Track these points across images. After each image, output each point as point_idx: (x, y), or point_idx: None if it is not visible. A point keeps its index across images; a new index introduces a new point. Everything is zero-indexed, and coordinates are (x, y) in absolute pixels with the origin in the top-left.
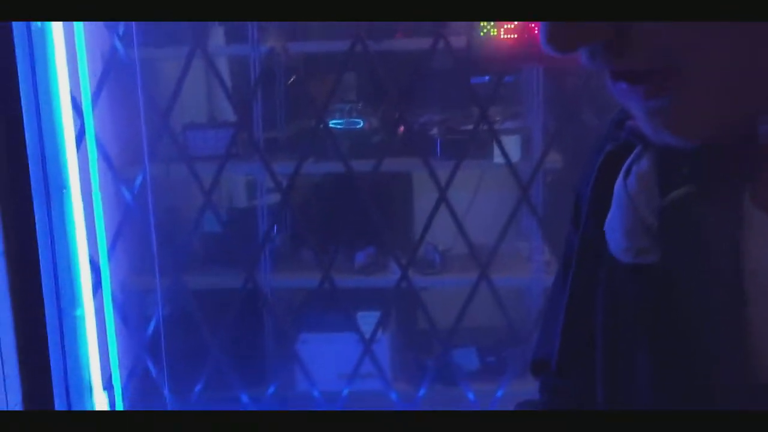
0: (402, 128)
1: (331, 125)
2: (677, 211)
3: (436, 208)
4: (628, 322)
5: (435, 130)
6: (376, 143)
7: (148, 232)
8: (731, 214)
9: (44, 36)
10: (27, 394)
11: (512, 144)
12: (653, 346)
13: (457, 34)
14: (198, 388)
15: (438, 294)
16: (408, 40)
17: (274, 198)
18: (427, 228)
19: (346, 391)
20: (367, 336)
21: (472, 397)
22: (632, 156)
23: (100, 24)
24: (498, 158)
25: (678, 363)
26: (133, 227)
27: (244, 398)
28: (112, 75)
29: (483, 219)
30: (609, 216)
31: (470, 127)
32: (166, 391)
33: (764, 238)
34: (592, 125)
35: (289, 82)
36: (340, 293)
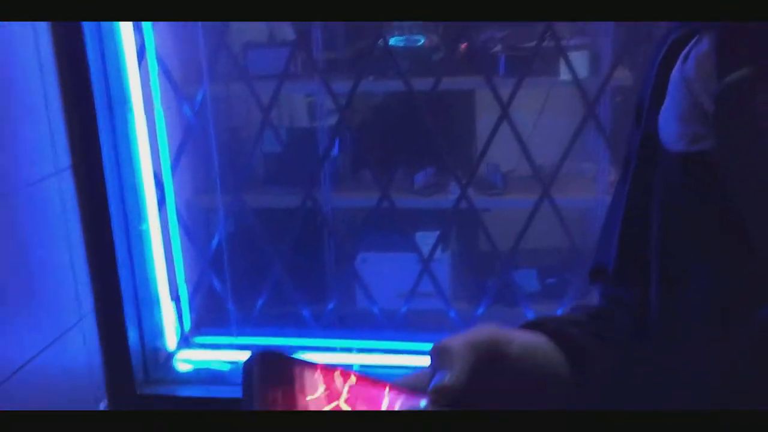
0: (464, 45)
1: (391, 43)
2: (734, 94)
3: (497, 127)
4: (686, 219)
5: (498, 47)
6: (437, 61)
7: (210, 151)
8: None
9: None
10: (99, 304)
11: (579, 61)
12: (709, 244)
13: None
14: (260, 302)
15: (499, 215)
16: None
17: (335, 117)
18: (487, 147)
19: (404, 309)
20: (426, 255)
21: (532, 317)
22: (692, 42)
23: None
24: (564, 75)
25: (735, 259)
26: (196, 145)
27: (305, 314)
28: None
29: (548, 139)
30: (665, 105)
31: (534, 43)
32: (230, 305)
33: None
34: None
35: None
36: (399, 213)
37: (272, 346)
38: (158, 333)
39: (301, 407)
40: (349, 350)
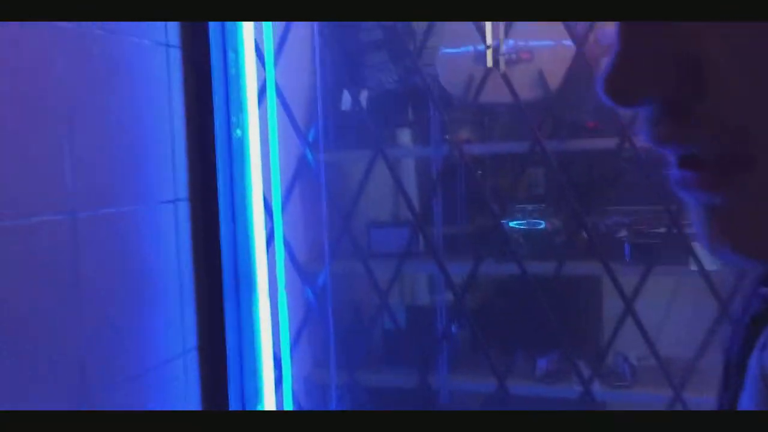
0: (586, 230)
1: (511, 225)
2: None
3: (623, 317)
4: None
5: (623, 233)
6: (559, 244)
7: (329, 329)
8: None
9: (242, 145)
10: None
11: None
12: None
13: None
14: None
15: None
16: (593, 140)
17: (453, 297)
18: (613, 337)
19: None
20: None
21: None
22: None
23: (291, 132)
24: (694, 265)
25: None
26: (315, 323)
27: None
28: (300, 178)
29: (679, 329)
30: (742, 396)
31: (662, 230)
32: None
33: None
34: None
35: (477, 173)
36: (517, 400)
37: None
38: None
39: None
40: None
